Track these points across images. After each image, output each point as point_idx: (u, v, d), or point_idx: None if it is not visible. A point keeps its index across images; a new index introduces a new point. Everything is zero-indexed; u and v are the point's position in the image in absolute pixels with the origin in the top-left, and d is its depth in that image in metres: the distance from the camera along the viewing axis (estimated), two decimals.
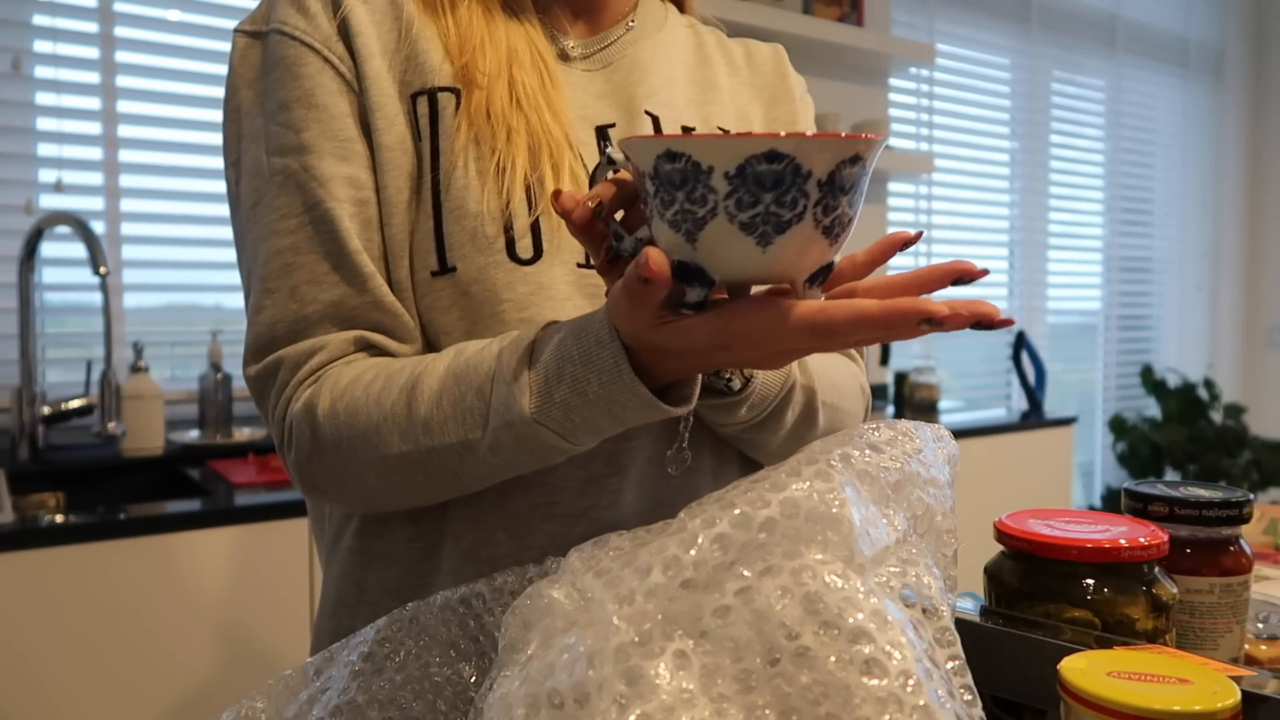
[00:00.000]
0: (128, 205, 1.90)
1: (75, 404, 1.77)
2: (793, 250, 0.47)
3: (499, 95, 0.67)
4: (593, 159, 0.70)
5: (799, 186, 0.45)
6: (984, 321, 0.46)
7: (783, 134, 0.44)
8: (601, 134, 0.72)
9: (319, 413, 0.64)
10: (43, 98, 1.82)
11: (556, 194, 0.53)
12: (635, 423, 0.57)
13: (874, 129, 2.68)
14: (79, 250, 1.73)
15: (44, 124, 1.83)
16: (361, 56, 0.66)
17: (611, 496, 0.68)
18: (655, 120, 0.73)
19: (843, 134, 0.45)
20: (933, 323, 0.45)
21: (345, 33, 0.67)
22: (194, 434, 1.87)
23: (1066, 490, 2.66)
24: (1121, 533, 0.59)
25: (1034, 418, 2.62)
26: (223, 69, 1.96)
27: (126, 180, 1.89)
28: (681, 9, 0.85)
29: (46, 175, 1.83)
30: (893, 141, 2.88)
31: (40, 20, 1.82)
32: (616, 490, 0.68)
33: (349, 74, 0.67)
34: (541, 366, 0.57)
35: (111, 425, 1.72)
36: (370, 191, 0.67)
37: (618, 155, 0.53)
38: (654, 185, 0.47)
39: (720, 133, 0.53)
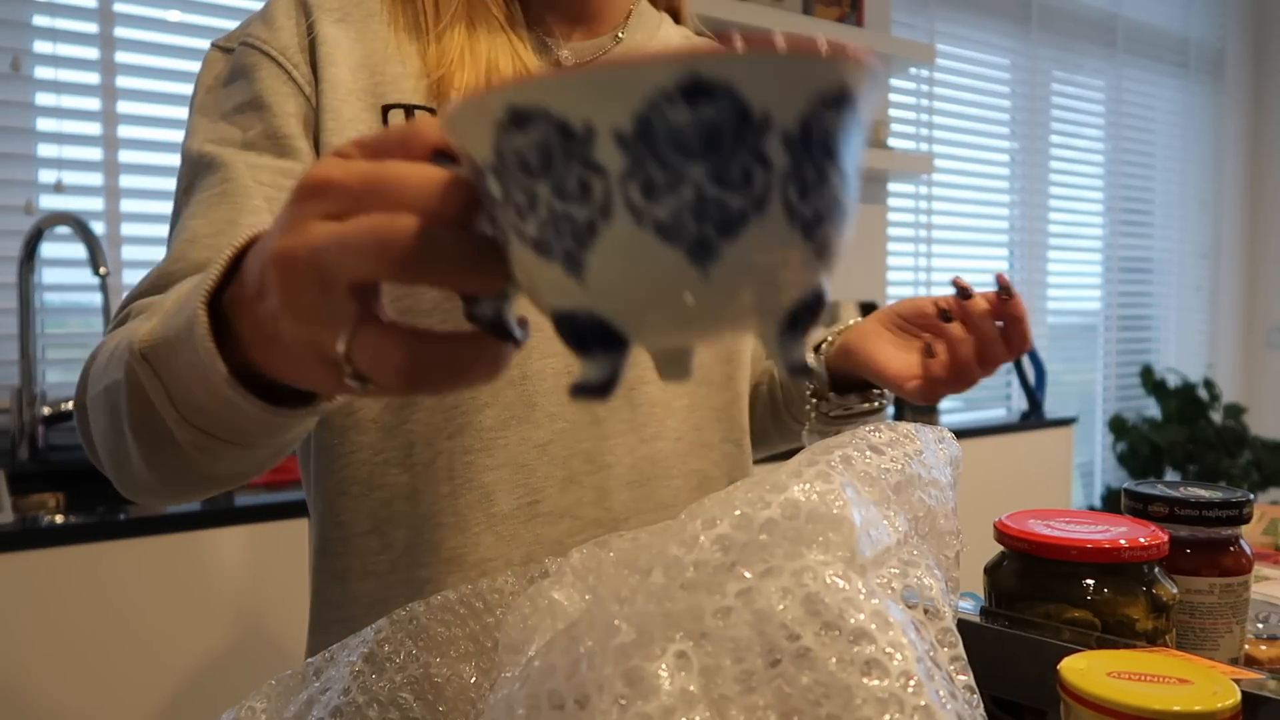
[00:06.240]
0: (128, 205, 1.90)
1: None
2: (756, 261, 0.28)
3: None
4: None
5: (753, 145, 0.26)
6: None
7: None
8: None
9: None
10: (43, 98, 1.82)
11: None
12: (221, 412, 0.44)
13: (874, 130, 2.68)
14: (79, 250, 1.72)
15: (44, 124, 1.83)
16: (322, 63, 0.68)
17: (595, 494, 0.69)
18: None
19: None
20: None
21: (311, 42, 0.69)
22: None
23: (1066, 490, 2.66)
24: (1121, 533, 0.59)
25: (1034, 418, 2.62)
26: None
27: (126, 180, 1.89)
28: (677, 20, 0.85)
29: (46, 175, 1.82)
30: (892, 142, 2.88)
31: (40, 20, 1.81)
32: (600, 487, 0.69)
33: (301, 79, 0.69)
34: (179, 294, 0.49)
35: None
36: None
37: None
38: (499, 181, 0.29)
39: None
